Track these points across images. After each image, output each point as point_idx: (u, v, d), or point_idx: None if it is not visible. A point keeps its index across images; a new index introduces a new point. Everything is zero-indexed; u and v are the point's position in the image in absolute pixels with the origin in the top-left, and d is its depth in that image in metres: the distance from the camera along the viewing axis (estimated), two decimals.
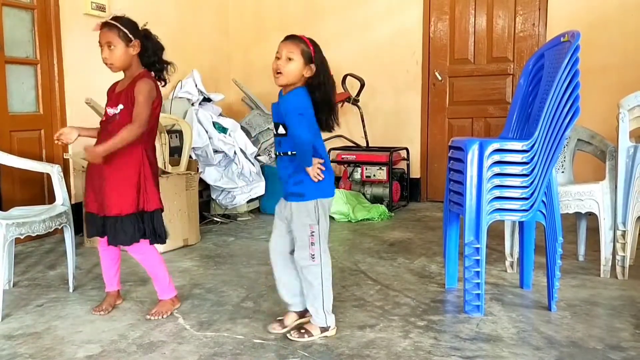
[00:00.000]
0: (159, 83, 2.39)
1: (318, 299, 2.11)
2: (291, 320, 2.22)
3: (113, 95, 2.35)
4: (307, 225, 2.07)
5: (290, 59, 2.01)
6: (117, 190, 2.28)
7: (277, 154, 2.13)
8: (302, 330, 2.13)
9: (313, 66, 2.04)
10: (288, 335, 2.13)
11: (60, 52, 3.88)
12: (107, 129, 2.32)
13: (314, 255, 2.08)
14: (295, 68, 2.02)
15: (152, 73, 2.37)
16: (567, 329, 2.22)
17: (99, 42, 2.28)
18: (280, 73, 2.02)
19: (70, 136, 2.33)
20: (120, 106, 2.29)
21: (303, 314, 2.22)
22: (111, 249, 2.42)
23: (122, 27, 2.26)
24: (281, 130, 2.06)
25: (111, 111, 2.32)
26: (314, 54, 2.04)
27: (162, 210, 2.41)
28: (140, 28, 2.35)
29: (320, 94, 2.05)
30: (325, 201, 2.11)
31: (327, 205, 2.13)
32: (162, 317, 2.36)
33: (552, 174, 2.37)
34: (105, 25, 2.27)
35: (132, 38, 2.29)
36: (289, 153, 2.07)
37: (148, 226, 2.34)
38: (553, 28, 4.53)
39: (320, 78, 2.05)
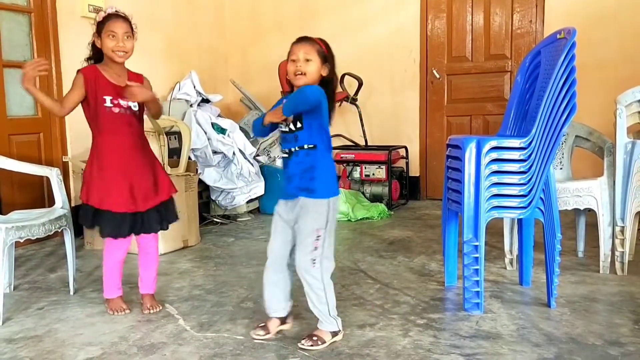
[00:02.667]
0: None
1: (323, 304, 2.08)
2: (274, 325, 2.19)
3: (116, 86, 2.34)
4: (314, 230, 2.03)
5: (308, 60, 2.04)
6: (164, 171, 2.50)
7: (289, 150, 2.09)
8: (314, 338, 2.07)
9: (328, 65, 2.08)
10: (299, 344, 2.07)
11: (57, 55, 3.89)
12: (127, 120, 2.37)
13: (314, 260, 2.05)
14: (315, 68, 2.05)
15: None
16: (567, 326, 2.22)
17: (113, 31, 2.29)
18: (302, 74, 2.04)
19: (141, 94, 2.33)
20: (136, 103, 2.37)
21: (284, 320, 2.22)
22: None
23: (131, 22, 2.37)
24: (297, 124, 2.05)
25: (124, 102, 2.34)
26: (327, 53, 2.08)
27: None
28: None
29: (331, 89, 2.09)
30: (336, 199, 2.10)
31: (338, 203, 2.13)
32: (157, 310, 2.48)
33: (550, 170, 2.37)
34: (119, 17, 2.33)
35: (135, 33, 2.40)
36: (306, 146, 2.05)
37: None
38: (550, 25, 4.53)
39: (332, 75, 2.10)
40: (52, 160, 3.84)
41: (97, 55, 2.39)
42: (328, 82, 2.08)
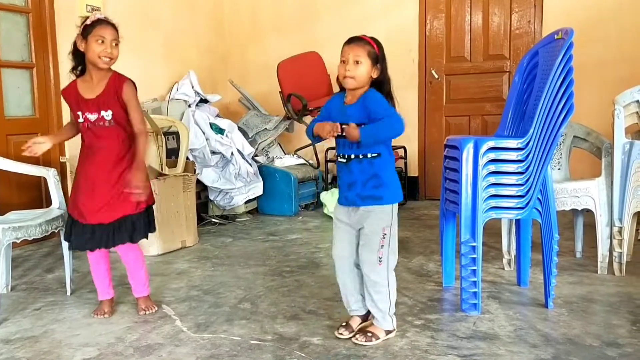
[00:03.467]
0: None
1: (385, 302, 2.09)
2: (356, 323, 2.18)
3: (88, 101, 2.31)
4: (381, 229, 2.04)
5: (358, 62, 1.99)
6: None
7: (348, 156, 2.05)
8: (369, 334, 2.09)
9: (379, 66, 2.03)
10: (354, 339, 2.09)
11: (55, 55, 3.88)
12: (98, 134, 2.32)
13: (381, 258, 2.06)
14: (365, 71, 2.00)
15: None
16: (564, 326, 2.22)
17: (102, 36, 2.26)
18: (351, 77, 2.00)
19: (42, 147, 2.35)
20: (110, 111, 2.31)
21: (366, 317, 2.21)
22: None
23: (118, 30, 2.33)
24: None
25: (92, 117, 2.31)
26: (378, 54, 2.03)
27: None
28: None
29: (385, 89, 2.06)
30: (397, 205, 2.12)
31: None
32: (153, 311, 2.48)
33: (548, 171, 2.37)
34: (107, 23, 2.30)
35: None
36: (369, 155, 2.02)
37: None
38: (549, 25, 4.53)
39: (385, 75, 2.06)
40: (50, 161, 3.83)
41: (80, 62, 2.35)
42: (380, 83, 2.04)
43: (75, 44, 2.31)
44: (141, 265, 2.49)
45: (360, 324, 2.19)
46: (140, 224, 2.39)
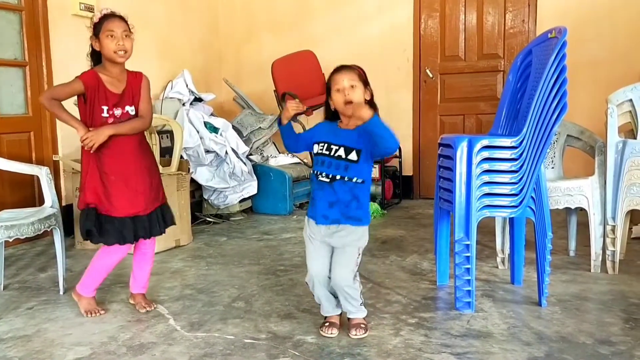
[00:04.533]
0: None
1: (358, 299, 2.17)
2: (338, 319, 2.23)
3: (114, 95, 2.31)
4: (357, 248, 2.11)
5: (353, 87, 2.04)
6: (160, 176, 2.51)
7: (332, 176, 2.05)
8: (362, 325, 2.17)
9: (369, 88, 2.10)
10: (352, 336, 2.13)
11: (49, 53, 3.86)
12: None
13: (355, 274, 2.13)
14: (360, 94, 2.06)
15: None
16: (557, 324, 2.23)
17: (111, 30, 2.25)
18: (351, 102, 2.02)
19: (100, 138, 2.28)
20: (133, 107, 2.35)
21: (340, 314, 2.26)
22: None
23: (127, 21, 2.34)
24: (353, 156, 2.04)
25: (118, 112, 2.31)
26: (365, 77, 2.10)
27: None
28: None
29: (377, 111, 2.07)
30: None
31: None
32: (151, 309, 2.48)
33: (541, 169, 2.37)
34: (116, 16, 2.30)
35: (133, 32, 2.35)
36: (355, 180, 2.05)
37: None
38: (543, 24, 4.54)
39: (372, 96, 2.12)
40: (43, 159, 3.82)
41: (98, 60, 2.35)
42: (372, 105, 2.08)
43: (92, 45, 2.32)
44: (152, 260, 2.57)
45: (339, 319, 2.23)
46: (168, 214, 2.49)
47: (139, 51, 4.50)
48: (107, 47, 2.26)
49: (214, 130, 4.34)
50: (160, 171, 3.52)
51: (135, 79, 2.38)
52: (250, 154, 4.69)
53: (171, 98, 4.53)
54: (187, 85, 4.65)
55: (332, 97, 2.08)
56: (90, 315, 2.40)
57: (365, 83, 2.08)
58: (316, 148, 2.11)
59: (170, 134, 4.00)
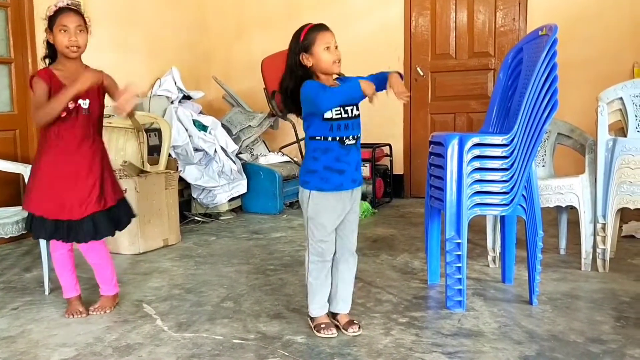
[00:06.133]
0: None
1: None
2: (335, 318, 2.19)
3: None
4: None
5: (337, 47, 2.04)
6: (112, 179, 2.41)
7: (356, 137, 2.08)
8: (355, 322, 2.16)
9: None
10: (351, 333, 2.11)
11: (34, 50, 3.80)
12: (78, 124, 2.26)
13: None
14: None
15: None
16: (548, 323, 2.21)
17: (65, 25, 2.19)
18: (339, 61, 2.04)
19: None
20: (88, 100, 2.27)
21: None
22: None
23: (84, 15, 2.26)
24: (356, 111, 2.07)
25: (70, 105, 2.23)
26: None
27: None
28: None
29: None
30: None
31: None
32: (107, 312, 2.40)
33: (532, 168, 2.36)
34: (70, 10, 2.23)
35: (89, 27, 2.28)
36: (359, 135, 2.09)
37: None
38: (533, 22, 4.54)
39: None
40: (29, 158, 3.75)
41: (52, 53, 2.29)
42: None
43: (47, 38, 2.26)
44: (106, 264, 2.45)
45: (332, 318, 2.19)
46: (102, 222, 2.33)
47: (126, 48, 4.52)
48: (60, 42, 2.21)
49: (203, 128, 4.30)
50: (148, 170, 3.51)
51: (104, 74, 2.31)
52: (240, 153, 4.65)
53: (159, 96, 4.49)
54: (175, 83, 4.61)
55: (318, 55, 2.00)
56: (72, 317, 2.37)
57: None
58: (330, 114, 2.01)
59: (158, 132, 3.94)
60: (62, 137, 2.25)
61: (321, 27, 2.05)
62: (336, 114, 2.02)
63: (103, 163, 2.35)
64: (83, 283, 2.58)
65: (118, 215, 2.40)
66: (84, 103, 2.26)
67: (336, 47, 2.03)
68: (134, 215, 2.50)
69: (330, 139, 2.03)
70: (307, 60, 2.02)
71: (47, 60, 2.31)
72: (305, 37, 2.01)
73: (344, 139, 2.04)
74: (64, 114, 2.22)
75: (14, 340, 2.15)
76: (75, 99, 2.22)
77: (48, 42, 2.27)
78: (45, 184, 2.26)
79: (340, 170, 2.05)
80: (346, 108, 2.04)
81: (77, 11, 2.24)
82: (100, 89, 2.31)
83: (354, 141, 2.06)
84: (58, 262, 2.40)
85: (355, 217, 2.15)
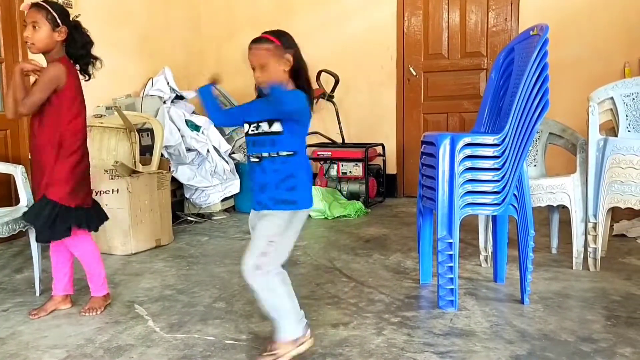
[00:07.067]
0: (82, 76, 2.35)
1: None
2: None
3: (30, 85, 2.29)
4: (269, 235, 1.85)
5: (263, 66, 1.86)
6: (47, 176, 2.33)
7: (261, 155, 1.86)
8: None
9: (289, 54, 1.90)
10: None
11: (25, 49, 3.76)
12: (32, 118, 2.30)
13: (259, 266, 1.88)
14: (271, 72, 1.86)
15: (77, 66, 2.33)
16: (540, 322, 2.22)
17: (25, 20, 2.21)
18: (259, 84, 1.90)
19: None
20: None
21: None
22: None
23: (51, 10, 2.22)
24: (276, 127, 1.84)
25: None
26: (279, 48, 1.89)
27: None
28: (71, 18, 2.30)
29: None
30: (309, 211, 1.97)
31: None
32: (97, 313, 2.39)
33: (524, 167, 2.37)
34: (34, 5, 2.22)
35: (60, 24, 2.23)
36: (285, 153, 1.84)
37: None
38: (525, 23, 4.55)
39: (294, 63, 1.93)
40: (20, 158, 3.74)
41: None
42: (298, 76, 1.93)
43: None
44: (82, 262, 2.45)
45: None
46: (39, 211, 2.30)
47: (118, 48, 4.50)
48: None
49: (196, 128, 4.28)
50: (141, 170, 3.50)
51: (45, 69, 2.25)
52: (233, 153, 4.64)
53: (152, 96, 4.47)
54: (168, 83, 4.59)
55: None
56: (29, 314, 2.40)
57: (279, 55, 1.84)
58: (246, 128, 1.92)
59: (150, 132, 3.93)
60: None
61: (251, 43, 1.88)
62: (251, 130, 1.89)
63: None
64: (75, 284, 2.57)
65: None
66: None
67: (254, 68, 1.85)
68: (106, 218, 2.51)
69: (248, 155, 1.93)
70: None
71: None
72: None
73: (250, 156, 1.90)
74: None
75: (4, 342, 2.14)
76: None
77: None
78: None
79: (252, 188, 1.92)
80: (259, 124, 1.87)
81: (39, 6, 2.21)
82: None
83: (257, 160, 1.87)
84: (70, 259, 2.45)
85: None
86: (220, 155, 4.35)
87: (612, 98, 2.91)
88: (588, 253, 2.84)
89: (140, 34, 4.79)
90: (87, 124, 2.43)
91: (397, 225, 4.04)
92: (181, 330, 2.21)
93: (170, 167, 3.89)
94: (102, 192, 3.27)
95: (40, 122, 2.27)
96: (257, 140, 1.88)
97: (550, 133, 3.09)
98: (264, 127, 1.87)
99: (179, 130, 4.19)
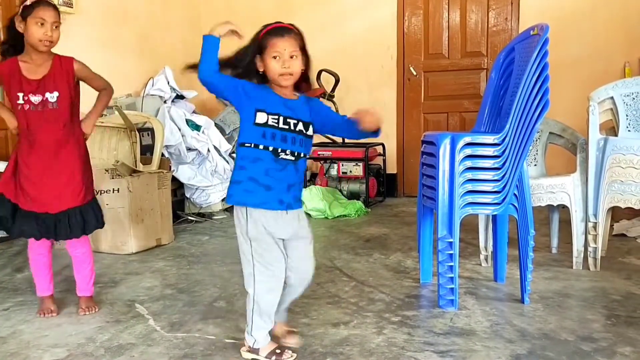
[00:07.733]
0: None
1: None
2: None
3: (32, 81, 2.23)
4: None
5: (293, 57, 1.78)
6: (82, 177, 2.34)
7: (297, 154, 1.81)
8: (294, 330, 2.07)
9: (307, 55, 1.85)
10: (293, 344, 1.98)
11: None
12: (37, 117, 2.24)
13: None
14: (299, 65, 1.81)
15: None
16: (540, 321, 2.23)
17: (42, 18, 2.17)
18: (291, 75, 1.79)
19: (88, 129, 2.40)
20: (56, 93, 2.24)
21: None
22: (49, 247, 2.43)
23: (59, 11, 2.27)
24: (311, 131, 1.85)
25: (36, 99, 2.22)
26: (304, 43, 1.83)
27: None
28: None
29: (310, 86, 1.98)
30: None
31: None
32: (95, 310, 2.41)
33: (524, 167, 2.37)
34: (50, 4, 2.23)
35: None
36: (306, 156, 1.85)
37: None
38: (526, 22, 4.56)
39: (307, 67, 1.88)
40: (7, 157, 3.73)
41: (14, 39, 2.25)
42: (307, 79, 1.90)
43: (12, 21, 2.22)
44: (87, 263, 2.44)
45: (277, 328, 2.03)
46: (89, 216, 2.35)
47: (119, 47, 4.50)
48: (33, 34, 2.18)
49: (196, 128, 4.29)
50: (141, 169, 3.50)
51: (62, 65, 2.26)
52: (233, 152, 4.64)
53: (152, 95, 4.47)
54: (168, 82, 4.59)
55: (266, 61, 1.78)
56: (43, 316, 2.36)
57: (304, 50, 1.81)
58: (264, 118, 1.77)
59: (151, 131, 3.93)
60: (31, 132, 2.24)
61: (278, 32, 1.78)
62: (272, 120, 1.77)
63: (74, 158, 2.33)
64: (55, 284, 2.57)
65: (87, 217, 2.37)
66: (52, 96, 2.24)
67: (292, 57, 1.76)
68: (103, 222, 2.46)
69: (261, 147, 1.77)
70: (259, 65, 1.82)
71: (4, 46, 2.28)
72: (262, 38, 1.80)
73: (279, 150, 1.78)
74: (18, 108, 2.22)
75: (5, 341, 2.14)
76: (26, 93, 2.21)
77: (12, 29, 2.22)
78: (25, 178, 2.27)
79: (267, 186, 1.79)
80: (287, 119, 1.79)
81: (55, 6, 2.24)
82: (71, 80, 2.28)
83: (292, 157, 1.80)
84: (35, 261, 2.41)
85: (306, 246, 1.92)
86: (220, 154, 4.35)
87: (612, 98, 2.91)
88: (588, 252, 2.85)
89: (140, 33, 4.80)
90: None
91: (397, 225, 4.05)
92: (182, 330, 2.21)
93: (170, 167, 3.89)
94: (102, 192, 3.28)
95: (70, 120, 2.30)
96: (294, 138, 1.80)
97: (550, 133, 3.09)
98: (300, 127, 1.82)
99: (180, 129, 4.19)
